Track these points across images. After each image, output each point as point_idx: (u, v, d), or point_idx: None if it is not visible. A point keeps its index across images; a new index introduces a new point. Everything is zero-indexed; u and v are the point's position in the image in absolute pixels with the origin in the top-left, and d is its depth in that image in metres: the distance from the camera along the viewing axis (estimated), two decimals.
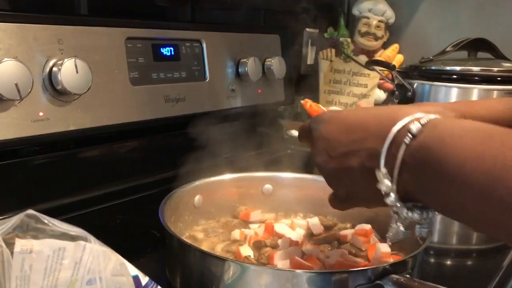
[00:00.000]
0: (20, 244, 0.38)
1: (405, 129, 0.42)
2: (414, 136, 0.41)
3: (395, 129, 0.42)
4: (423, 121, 0.41)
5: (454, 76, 1.08)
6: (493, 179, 0.35)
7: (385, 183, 0.43)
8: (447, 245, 0.86)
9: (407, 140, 0.41)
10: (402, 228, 0.45)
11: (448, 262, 0.80)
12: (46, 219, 0.39)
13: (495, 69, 1.06)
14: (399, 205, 0.43)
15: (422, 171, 0.40)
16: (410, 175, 0.41)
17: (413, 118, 0.42)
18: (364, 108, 0.50)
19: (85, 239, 0.40)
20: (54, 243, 0.39)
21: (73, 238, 0.40)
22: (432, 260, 0.78)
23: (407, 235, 0.47)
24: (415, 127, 0.41)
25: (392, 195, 0.43)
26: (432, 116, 0.42)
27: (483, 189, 0.35)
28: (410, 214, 0.44)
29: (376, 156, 0.43)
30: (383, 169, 0.43)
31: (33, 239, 0.39)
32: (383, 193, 0.43)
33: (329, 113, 0.51)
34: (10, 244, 0.38)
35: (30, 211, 0.38)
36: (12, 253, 0.38)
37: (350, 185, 0.48)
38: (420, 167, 0.40)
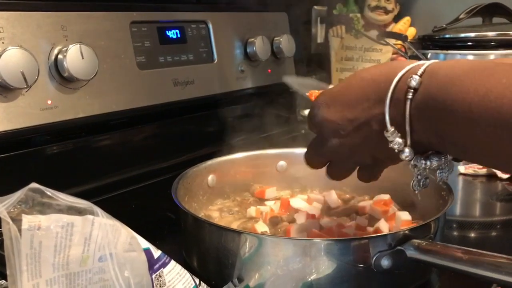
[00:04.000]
0: (27, 220, 0.37)
1: (404, 84, 0.42)
2: (415, 89, 0.41)
3: (391, 88, 0.42)
4: (419, 71, 0.41)
5: (469, 43, 1.05)
6: (504, 118, 0.34)
7: (396, 141, 0.43)
8: (470, 217, 0.84)
9: (409, 95, 0.41)
10: (421, 179, 0.46)
11: (472, 235, 0.78)
12: (50, 192, 0.38)
13: None
14: (414, 157, 0.43)
15: (433, 120, 0.40)
16: (421, 126, 0.41)
17: (407, 71, 0.42)
18: (357, 75, 0.48)
19: (92, 212, 0.39)
20: (61, 218, 0.38)
21: (80, 212, 0.39)
22: (455, 233, 0.76)
23: (426, 184, 0.47)
24: (414, 81, 0.41)
25: (406, 150, 0.43)
26: (427, 63, 0.42)
27: (495, 128, 0.35)
28: (428, 162, 0.44)
29: (384, 119, 0.43)
30: (390, 128, 0.43)
31: (40, 215, 0.38)
32: (396, 151, 0.43)
33: (323, 95, 0.50)
34: (17, 221, 0.37)
35: (34, 185, 0.37)
36: (19, 230, 0.37)
37: (372, 152, 0.48)
38: (429, 117, 0.40)
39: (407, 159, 0.43)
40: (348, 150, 0.49)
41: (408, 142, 0.42)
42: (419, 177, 0.46)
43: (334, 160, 0.53)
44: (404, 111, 0.41)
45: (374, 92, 0.44)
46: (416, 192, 0.47)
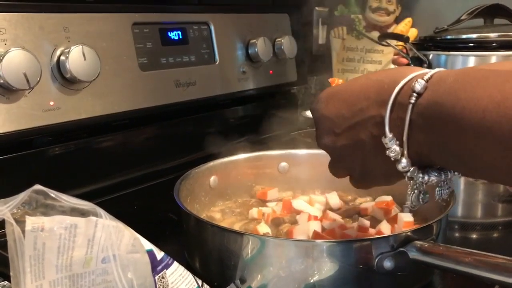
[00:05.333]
0: (31, 221, 0.37)
1: (409, 88, 0.39)
2: (419, 94, 0.38)
3: (396, 90, 0.40)
4: (426, 77, 0.38)
5: (471, 44, 1.04)
6: None
7: (393, 149, 0.40)
8: (472, 218, 0.84)
9: (412, 99, 0.38)
10: (420, 194, 0.43)
11: (474, 236, 0.78)
12: (54, 193, 0.38)
13: None
14: (412, 169, 0.41)
15: (437, 129, 0.38)
16: (423, 135, 0.39)
17: (415, 76, 0.39)
18: (363, 76, 0.46)
19: (95, 214, 0.39)
20: (65, 219, 0.38)
21: (83, 214, 0.39)
22: (457, 234, 0.76)
23: (425, 200, 0.44)
24: (419, 84, 0.38)
25: (404, 160, 0.40)
26: (435, 70, 0.39)
27: (510, 137, 0.33)
28: (426, 177, 0.41)
29: (383, 123, 0.41)
30: (389, 134, 0.40)
31: (44, 216, 0.38)
32: (393, 159, 0.41)
33: (326, 91, 0.48)
34: (20, 222, 0.37)
35: (38, 186, 0.37)
36: (23, 231, 0.37)
37: (363, 159, 0.45)
38: (433, 125, 0.38)
39: (403, 169, 0.40)
40: (338, 153, 0.47)
41: (405, 152, 0.40)
42: (416, 191, 0.42)
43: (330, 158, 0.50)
44: (405, 116, 0.38)
45: (376, 92, 0.42)
46: (414, 208, 0.44)
